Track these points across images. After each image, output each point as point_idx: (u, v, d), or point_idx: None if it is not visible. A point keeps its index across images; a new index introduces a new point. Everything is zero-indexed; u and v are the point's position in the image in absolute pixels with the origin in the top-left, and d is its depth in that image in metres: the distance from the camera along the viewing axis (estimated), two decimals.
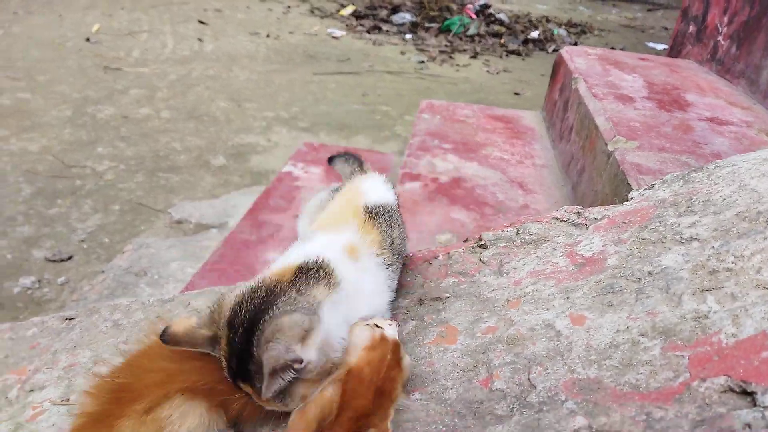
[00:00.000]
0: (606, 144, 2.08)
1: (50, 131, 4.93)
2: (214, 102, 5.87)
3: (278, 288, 0.96)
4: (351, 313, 1.04)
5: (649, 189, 1.28)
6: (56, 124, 5.07)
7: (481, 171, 2.94)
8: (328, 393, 0.92)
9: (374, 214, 1.22)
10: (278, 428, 1.02)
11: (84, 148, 4.71)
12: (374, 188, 1.34)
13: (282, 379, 0.90)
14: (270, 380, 0.88)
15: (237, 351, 0.91)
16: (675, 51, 3.93)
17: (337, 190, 1.43)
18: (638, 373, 0.83)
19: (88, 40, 7.39)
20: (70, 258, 3.45)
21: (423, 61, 7.61)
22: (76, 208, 3.93)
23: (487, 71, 7.60)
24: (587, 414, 0.80)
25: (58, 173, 4.32)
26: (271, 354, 0.88)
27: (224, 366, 0.94)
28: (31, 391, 1.32)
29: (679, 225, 1.09)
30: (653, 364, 0.83)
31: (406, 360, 1.00)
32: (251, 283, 0.99)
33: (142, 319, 1.52)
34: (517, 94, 6.83)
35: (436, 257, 1.37)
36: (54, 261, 3.42)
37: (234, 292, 0.98)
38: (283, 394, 0.93)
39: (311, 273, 0.99)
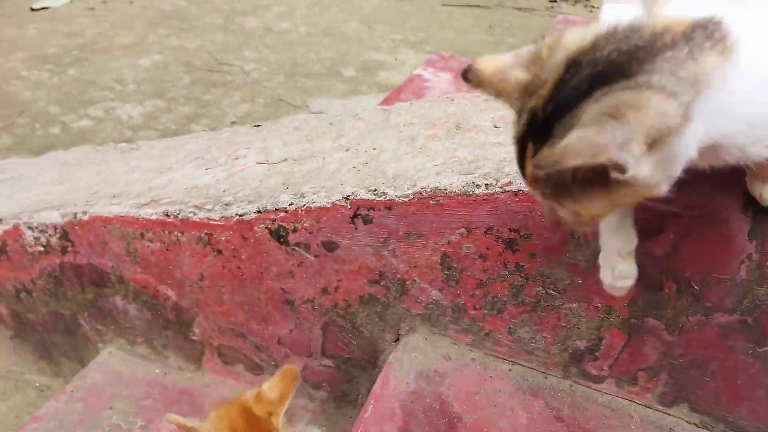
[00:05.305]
0: None
1: (204, 34, 5.48)
2: (346, 23, 6.18)
3: (667, 37, 0.59)
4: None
5: None
6: (209, 28, 5.61)
7: None
8: None
9: None
10: None
11: (233, 50, 5.20)
12: None
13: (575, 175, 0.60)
14: (560, 167, 0.57)
15: (562, 97, 0.61)
16: None
17: None
18: None
19: None
20: None
21: (555, 0, 7.49)
22: (227, 97, 4.41)
23: None
24: None
25: (212, 68, 4.84)
26: (597, 140, 0.55)
27: (523, 120, 0.66)
28: (236, 159, 1.66)
29: None
30: None
31: None
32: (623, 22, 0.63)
33: (317, 125, 1.81)
34: None
35: None
36: None
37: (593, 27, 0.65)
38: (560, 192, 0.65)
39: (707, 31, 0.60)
